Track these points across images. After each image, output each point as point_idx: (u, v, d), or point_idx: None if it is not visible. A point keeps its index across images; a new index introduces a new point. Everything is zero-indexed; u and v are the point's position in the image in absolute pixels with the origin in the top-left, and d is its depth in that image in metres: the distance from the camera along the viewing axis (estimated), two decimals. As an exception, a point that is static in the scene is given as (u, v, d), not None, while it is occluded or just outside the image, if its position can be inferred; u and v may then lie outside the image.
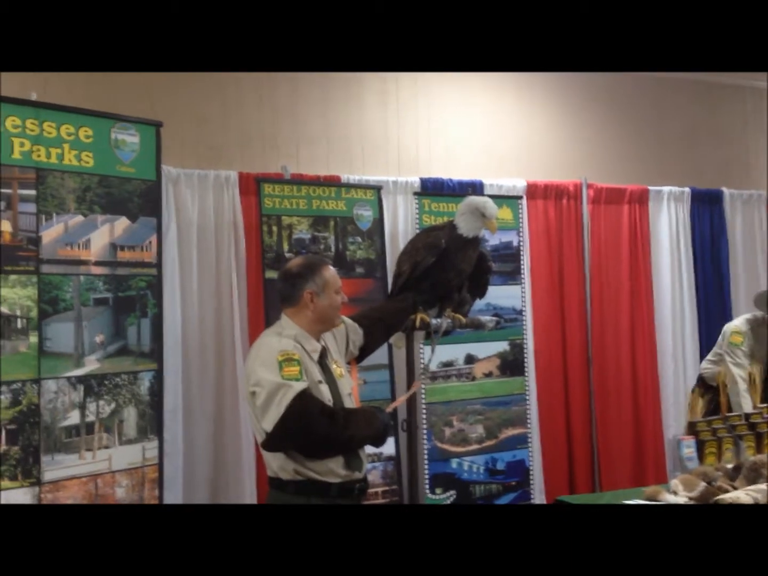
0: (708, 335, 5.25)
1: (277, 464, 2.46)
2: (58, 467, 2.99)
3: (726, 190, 5.56)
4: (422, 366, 3.83)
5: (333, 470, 2.46)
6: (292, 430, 2.38)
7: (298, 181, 4.24)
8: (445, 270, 2.95)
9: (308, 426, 2.39)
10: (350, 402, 2.63)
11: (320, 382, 2.50)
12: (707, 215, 5.48)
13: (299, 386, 2.38)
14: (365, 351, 2.88)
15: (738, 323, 4.21)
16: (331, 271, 2.62)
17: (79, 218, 3.18)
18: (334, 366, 2.61)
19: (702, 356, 5.17)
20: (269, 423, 2.37)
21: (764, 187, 5.74)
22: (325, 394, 2.50)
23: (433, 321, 2.98)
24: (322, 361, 2.56)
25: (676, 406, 5.11)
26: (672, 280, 5.30)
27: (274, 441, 2.41)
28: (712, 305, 5.40)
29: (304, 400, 2.38)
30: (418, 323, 2.93)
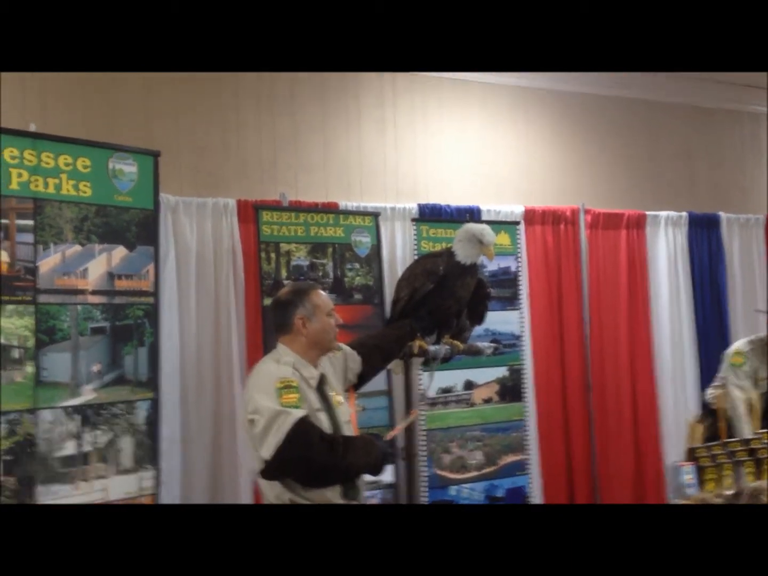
0: (707, 360, 5.25)
1: (274, 494, 2.45)
2: (53, 497, 2.96)
3: (723, 215, 5.59)
4: (421, 392, 3.82)
5: (330, 499, 2.45)
6: (291, 457, 2.37)
7: (297, 208, 4.25)
8: (444, 297, 2.96)
9: (307, 454, 2.38)
10: (348, 430, 2.62)
11: (318, 409, 2.50)
12: (705, 240, 5.50)
13: (298, 413, 2.38)
14: (363, 378, 2.88)
15: (739, 345, 4.20)
16: (320, 295, 2.63)
17: (77, 248, 3.18)
18: (333, 393, 2.60)
19: (702, 381, 5.17)
20: (268, 450, 2.36)
21: (761, 212, 5.77)
22: (323, 421, 2.49)
23: (432, 348, 2.98)
24: (321, 388, 2.56)
25: (676, 431, 5.08)
26: (670, 304, 5.31)
27: (272, 469, 2.39)
28: (711, 330, 5.40)
29: (303, 427, 2.37)
30: (416, 350, 2.93)
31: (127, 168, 3.34)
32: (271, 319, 2.67)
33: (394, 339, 2.94)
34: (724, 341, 5.20)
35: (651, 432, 5.14)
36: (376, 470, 2.60)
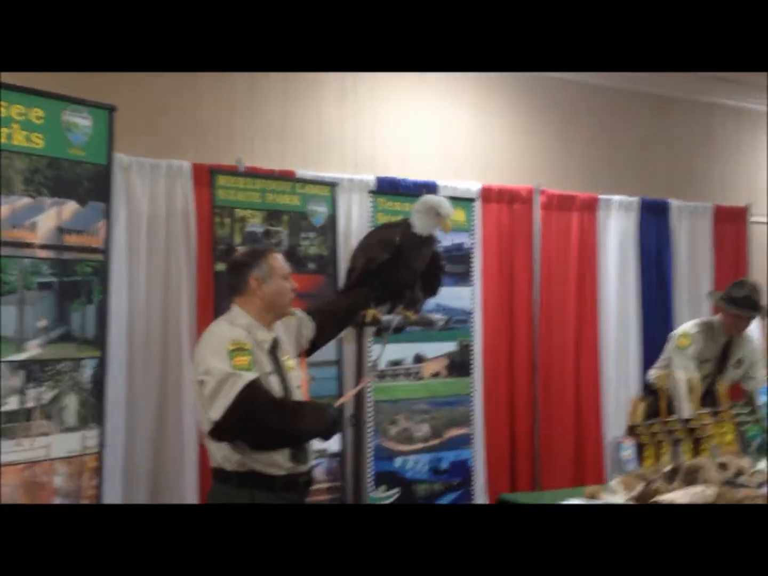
0: (650, 342, 5.37)
1: (221, 455, 2.44)
2: (-5, 452, 2.90)
3: (673, 202, 5.70)
4: (371, 363, 3.83)
5: (278, 463, 2.46)
6: (240, 420, 2.36)
7: (253, 174, 4.20)
8: (399, 267, 2.96)
9: (256, 417, 2.38)
10: (299, 395, 2.63)
11: (270, 373, 2.50)
12: (654, 225, 5.60)
13: (249, 376, 2.37)
14: (315, 345, 2.88)
15: (686, 327, 4.28)
16: (277, 258, 2.62)
17: (27, 200, 3.09)
18: (285, 358, 2.60)
19: (644, 362, 5.29)
20: (217, 412, 2.35)
21: (710, 200, 5.90)
22: (274, 385, 2.49)
23: (384, 318, 2.99)
24: (273, 352, 2.56)
25: (617, 411, 5.20)
26: (618, 287, 5.41)
27: (220, 430, 2.39)
28: (655, 313, 5.52)
29: (254, 390, 2.37)
30: (369, 319, 2.93)
31: (82, 121, 3.25)
32: (226, 280, 2.64)
33: (347, 307, 2.95)
34: (668, 324, 5.33)
35: (593, 410, 5.26)
36: (325, 436, 2.61)
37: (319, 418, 2.54)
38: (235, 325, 2.49)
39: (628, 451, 3.24)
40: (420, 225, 2.96)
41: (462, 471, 4.53)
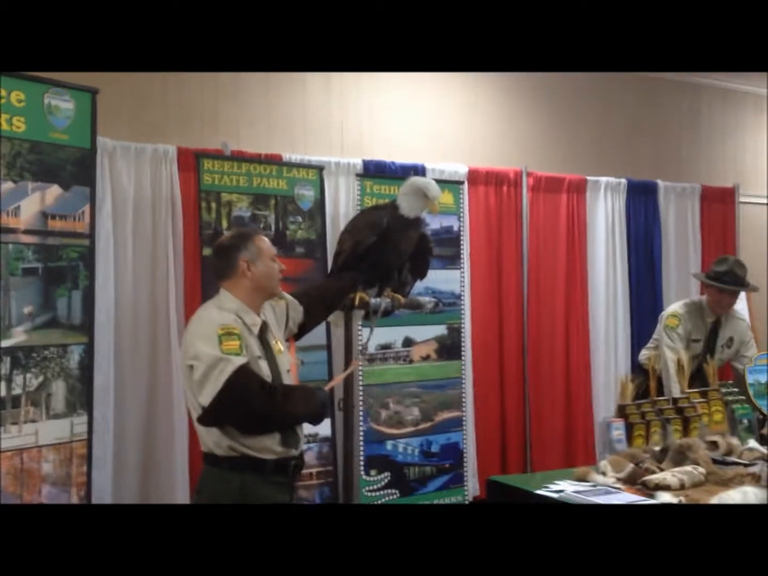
0: (639, 323, 5.41)
1: (212, 440, 2.42)
2: (-17, 440, 2.88)
3: (661, 183, 5.70)
4: (360, 346, 3.82)
5: (269, 447, 2.44)
6: (230, 405, 2.35)
7: (239, 158, 4.16)
8: (386, 250, 2.93)
9: (246, 401, 2.37)
10: (289, 379, 2.61)
11: (259, 357, 2.48)
12: (642, 206, 5.61)
13: (239, 361, 2.35)
14: (304, 329, 2.85)
15: (675, 307, 4.29)
16: (264, 240, 2.60)
17: (9, 185, 3.04)
18: (274, 342, 2.58)
19: (633, 343, 5.32)
20: (206, 397, 2.34)
21: (698, 181, 5.91)
22: (264, 369, 2.47)
23: (373, 300, 2.96)
24: (262, 336, 2.53)
25: (607, 392, 5.23)
26: (606, 268, 5.42)
27: (210, 416, 2.37)
28: (644, 294, 5.54)
29: (243, 375, 2.35)
30: (357, 302, 2.90)
31: (64, 104, 3.20)
32: (213, 265, 2.62)
33: (336, 290, 2.92)
34: (657, 305, 5.36)
35: (582, 391, 5.28)
36: (316, 420, 2.60)
37: (309, 401, 2.52)
38: (223, 309, 2.47)
39: (618, 431, 3.23)
40: (407, 207, 2.93)
41: (453, 454, 4.54)
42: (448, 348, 4.59)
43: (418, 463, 4.42)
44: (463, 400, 4.63)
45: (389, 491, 4.30)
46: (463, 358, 4.65)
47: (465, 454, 4.60)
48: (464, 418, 4.62)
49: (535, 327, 5.16)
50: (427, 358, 4.52)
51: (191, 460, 3.96)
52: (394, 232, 2.92)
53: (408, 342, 4.46)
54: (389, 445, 4.35)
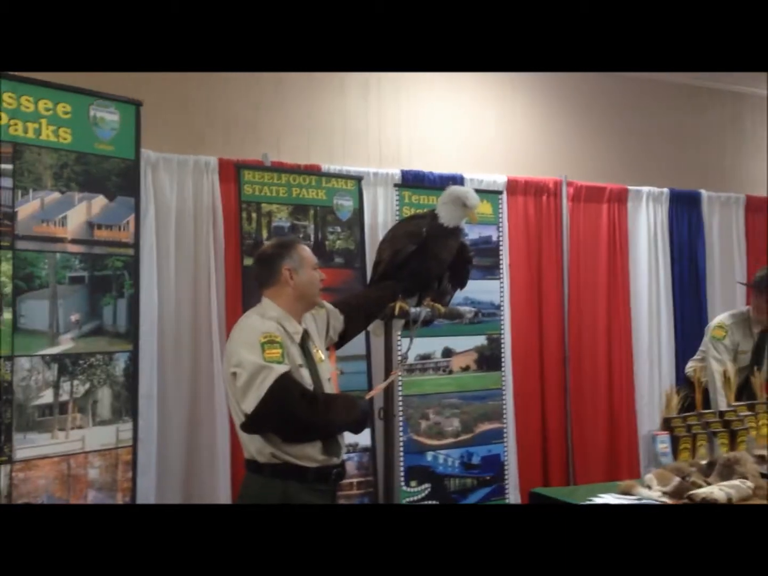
0: (683, 335, 5.31)
1: (255, 447, 2.44)
2: (30, 446, 2.93)
3: (704, 192, 5.61)
4: (400, 356, 3.81)
5: (310, 455, 2.45)
6: (272, 412, 2.36)
7: (279, 168, 4.20)
8: (426, 259, 2.92)
9: (288, 409, 2.37)
10: (330, 387, 2.62)
11: (301, 365, 2.49)
12: (685, 216, 5.52)
13: (281, 369, 2.36)
14: (344, 338, 2.86)
15: (721, 318, 4.21)
16: (305, 249, 2.63)
17: (56, 195, 3.11)
18: (315, 350, 2.59)
19: (678, 355, 5.22)
20: (249, 405, 2.35)
21: (742, 191, 5.81)
22: (305, 378, 2.48)
23: (413, 310, 2.95)
24: (304, 344, 2.54)
25: (650, 404, 5.14)
26: (649, 279, 5.34)
27: (253, 423, 2.38)
28: (688, 306, 5.44)
29: (285, 383, 2.36)
30: (397, 311, 2.89)
31: (109, 116, 3.26)
32: (256, 273, 2.64)
33: (375, 299, 2.92)
34: (701, 316, 5.26)
35: (626, 404, 5.19)
36: (357, 428, 2.61)
37: (350, 410, 2.53)
38: (266, 317, 2.48)
39: (664, 444, 3.18)
40: (446, 216, 2.92)
41: (494, 466, 4.49)
42: (488, 359, 4.56)
43: (458, 474, 4.39)
44: (504, 411, 4.58)
45: (430, 503, 4.27)
46: (503, 368, 4.61)
47: (506, 466, 4.55)
48: (505, 430, 4.57)
49: (576, 338, 5.10)
50: (466, 368, 4.49)
51: (233, 466, 3.98)
52: (433, 242, 2.91)
53: (447, 352, 4.43)
54: (429, 456, 4.32)
